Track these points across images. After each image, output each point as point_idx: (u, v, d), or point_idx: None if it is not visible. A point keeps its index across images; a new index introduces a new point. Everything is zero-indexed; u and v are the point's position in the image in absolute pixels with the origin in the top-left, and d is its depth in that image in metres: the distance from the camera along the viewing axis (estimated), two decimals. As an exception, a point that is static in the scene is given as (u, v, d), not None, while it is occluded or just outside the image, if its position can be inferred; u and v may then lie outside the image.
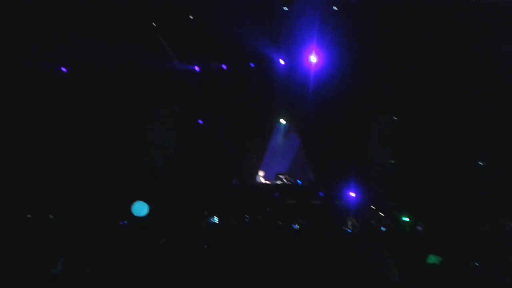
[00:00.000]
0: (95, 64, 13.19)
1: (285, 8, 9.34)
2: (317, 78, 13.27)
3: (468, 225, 7.99)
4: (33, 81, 13.37)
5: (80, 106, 13.75)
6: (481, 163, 11.61)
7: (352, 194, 12.55)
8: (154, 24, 12.76)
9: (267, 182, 15.16)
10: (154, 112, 15.15)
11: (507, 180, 10.64)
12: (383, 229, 8.67)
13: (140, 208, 11.37)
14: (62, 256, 4.41)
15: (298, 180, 15.14)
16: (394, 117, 13.48)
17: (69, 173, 13.20)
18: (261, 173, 15.41)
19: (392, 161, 13.23)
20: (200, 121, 15.69)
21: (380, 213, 11.01)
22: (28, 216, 9.66)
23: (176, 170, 15.14)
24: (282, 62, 14.18)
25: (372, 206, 12.23)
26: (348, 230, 8.13)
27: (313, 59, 13.08)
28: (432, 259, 4.85)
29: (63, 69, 14.38)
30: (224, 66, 14.89)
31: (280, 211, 12.96)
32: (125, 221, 10.21)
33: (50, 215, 9.72)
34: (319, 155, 14.75)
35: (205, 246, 5.44)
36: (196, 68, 15.15)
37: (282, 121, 16.42)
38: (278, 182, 15.03)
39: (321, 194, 13.94)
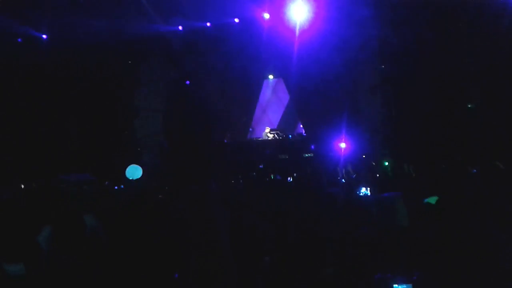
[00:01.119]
0: (78, 29, 12.85)
1: None
2: (304, 31, 13.07)
3: (460, 167, 8.14)
4: (15, 47, 13.09)
5: (65, 71, 13.51)
6: (470, 106, 11.70)
7: (343, 145, 12.65)
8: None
9: (271, 137, 15.05)
10: (140, 75, 14.93)
11: (497, 122, 10.77)
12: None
13: (134, 171, 11.42)
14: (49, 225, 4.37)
15: (289, 135, 15.22)
16: (383, 66, 13.44)
17: (61, 138, 13.14)
18: (267, 129, 15.34)
19: (383, 111, 13.29)
20: (188, 82, 15.51)
21: (373, 162, 11.18)
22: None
23: (166, 132, 15.11)
24: (267, 16, 13.91)
25: (363, 156, 12.40)
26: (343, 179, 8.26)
27: (299, 11, 12.83)
28: (429, 199, 4.94)
29: (43, 36, 14.04)
30: (208, 24, 14.59)
31: (273, 166, 13.07)
32: (122, 185, 10.28)
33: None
34: (309, 109, 14.75)
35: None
36: (180, 28, 14.82)
37: (271, 77, 16.30)
38: (270, 137, 15.08)
39: (312, 147, 14.04)
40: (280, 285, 3.22)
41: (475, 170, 7.88)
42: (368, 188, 5.18)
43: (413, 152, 10.79)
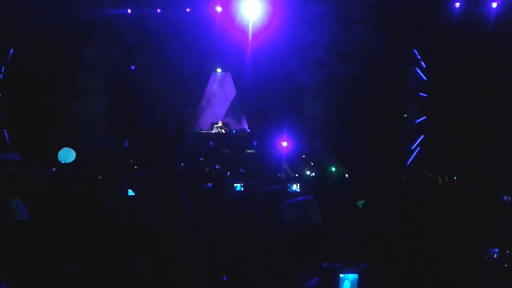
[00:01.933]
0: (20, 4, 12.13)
1: None
2: (255, 28, 13.10)
3: (394, 174, 8.48)
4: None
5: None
6: (406, 116, 12.20)
7: (284, 144, 12.84)
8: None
9: (223, 131, 14.90)
10: (82, 55, 14.31)
11: (432, 133, 11.28)
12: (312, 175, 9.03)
13: (67, 155, 10.97)
14: None
15: (233, 130, 15.22)
16: (328, 70, 13.73)
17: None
18: (219, 123, 15.16)
19: (326, 112, 13.60)
20: (133, 67, 15.07)
21: (311, 162, 11.42)
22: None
23: (106, 116, 14.63)
24: (219, 9, 13.79)
25: (303, 156, 12.64)
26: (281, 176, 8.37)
27: (251, 8, 12.84)
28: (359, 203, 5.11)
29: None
30: (158, 10, 14.24)
31: (214, 159, 13.04)
32: (53, 169, 9.84)
33: None
34: (255, 105, 14.83)
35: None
36: (129, 11, 14.34)
37: (219, 70, 16.20)
38: (213, 131, 15.00)
39: (255, 143, 14.15)
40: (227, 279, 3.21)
41: (404, 177, 8.23)
42: (298, 185, 5.31)
43: (350, 155, 11.12)
